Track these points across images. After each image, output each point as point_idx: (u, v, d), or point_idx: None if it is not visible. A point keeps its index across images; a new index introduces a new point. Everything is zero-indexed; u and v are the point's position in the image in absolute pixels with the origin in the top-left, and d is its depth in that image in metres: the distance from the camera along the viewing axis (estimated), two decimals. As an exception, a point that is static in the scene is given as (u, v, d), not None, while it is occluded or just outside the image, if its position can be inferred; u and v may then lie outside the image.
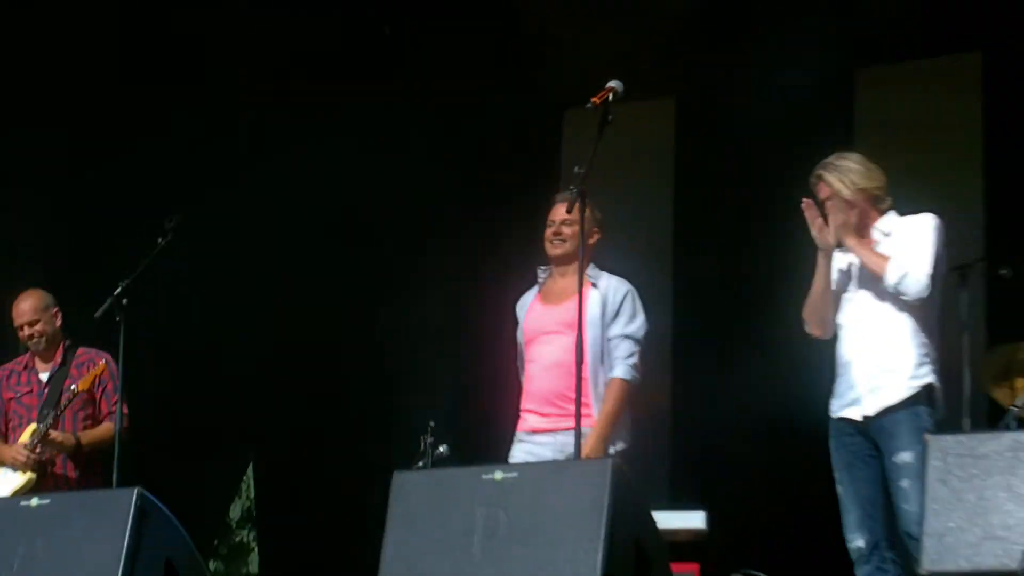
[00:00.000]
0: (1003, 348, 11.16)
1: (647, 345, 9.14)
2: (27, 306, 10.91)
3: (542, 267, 9.27)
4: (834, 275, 8.99)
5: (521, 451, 9.04)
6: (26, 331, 10.90)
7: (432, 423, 9.93)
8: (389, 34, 16.16)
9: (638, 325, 9.05)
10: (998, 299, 11.89)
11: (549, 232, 9.12)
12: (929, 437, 5.96)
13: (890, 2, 14.51)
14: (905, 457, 8.13)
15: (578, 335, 8.10)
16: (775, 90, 14.87)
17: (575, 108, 12.51)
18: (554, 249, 9.10)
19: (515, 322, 9.49)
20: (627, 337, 8.96)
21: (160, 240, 9.81)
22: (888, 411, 8.41)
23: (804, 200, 8.94)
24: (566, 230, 9.00)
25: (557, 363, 8.91)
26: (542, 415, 8.99)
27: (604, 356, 8.88)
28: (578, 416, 7.97)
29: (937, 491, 5.77)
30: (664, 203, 16.05)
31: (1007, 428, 9.92)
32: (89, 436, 10.65)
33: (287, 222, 14.62)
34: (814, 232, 8.89)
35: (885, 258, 8.58)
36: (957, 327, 11.05)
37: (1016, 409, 10.74)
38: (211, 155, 14.08)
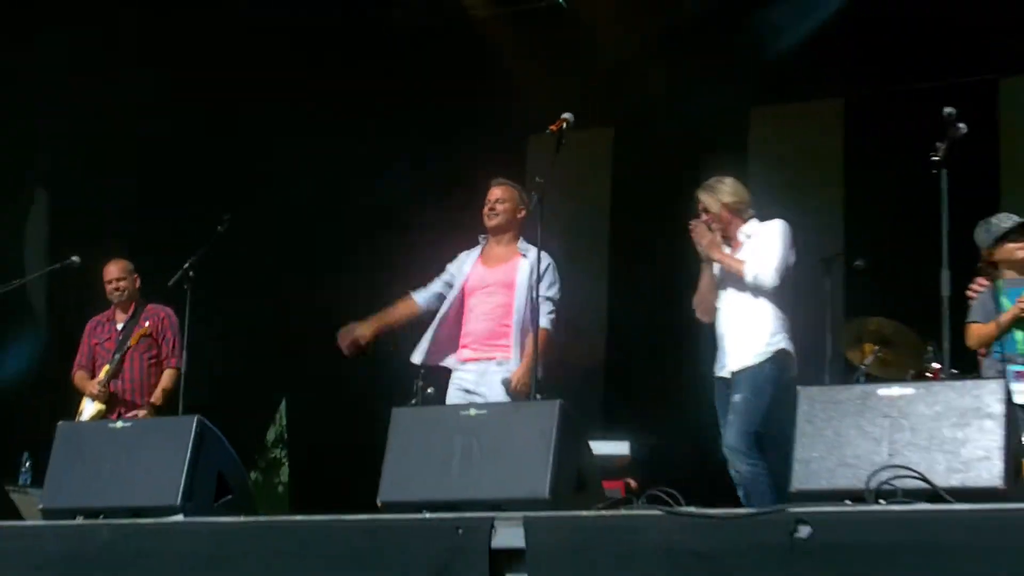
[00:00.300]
0: (856, 320, 11.21)
1: (562, 305, 9.21)
2: (115, 268, 11.08)
3: (482, 235, 9.46)
4: (716, 272, 9.14)
5: (455, 379, 9.31)
6: (112, 285, 11.08)
7: (423, 370, 9.92)
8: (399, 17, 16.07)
9: (556, 290, 9.16)
10: (854, 283, 11.92)
11: (486, 208, 9.36)
12: (800, 388, 5.99)
13: (777, 59, 14.61)
14: (736, 398, 8.73)
15: (535, 295, 8.68)
16: (691, 123, 14.97)
17: (537, 134, 12.58)
18: (490, 221, 9.35)
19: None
20: (548, 299, 9.06)
21: (219, 228, 9.93)
22: (744, 369, 8.75)
23: (691, 222, 9.12)
24: (499, 207, 9.32)
25: (490, 313, 9.23)
26: (474, 349, 9.21)
27: (527, 311, 8.96)
28: (535, 359, 8.29)
29: (805, 428, 5.79)
30: (603, 211, 16.08)
31: (857, 381, 9.99)
32: (158, 396, 10.84)
33: (314, 212, 14.55)
34: (700, 247, 9.06)
35: (741, 262, 8.88)
36: (822, 305, 11.11)
37: (864, 367, 10.83)
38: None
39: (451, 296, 9.43)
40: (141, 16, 13.23)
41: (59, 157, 13.00)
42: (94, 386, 10.74)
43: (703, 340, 9.84)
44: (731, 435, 8.65)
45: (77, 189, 13.01)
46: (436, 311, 9.52)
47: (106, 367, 10.75)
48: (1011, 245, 8.87)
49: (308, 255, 14.55)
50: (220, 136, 13.85)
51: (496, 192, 9.39)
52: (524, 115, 14.47)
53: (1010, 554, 4.80)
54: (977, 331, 8.86)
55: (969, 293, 9.03)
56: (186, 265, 9.82)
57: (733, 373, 8.88)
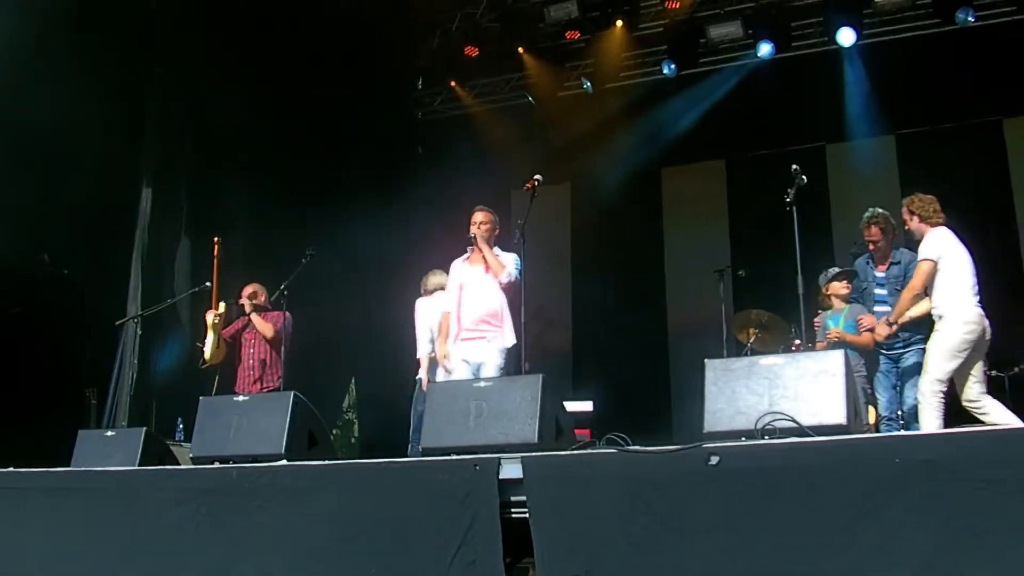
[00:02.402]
0: (742, 312, 11.22)
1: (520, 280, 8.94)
2: (249, 290, 10.73)
3: (468, 247, 9.19)
4: None
5: (457, 351, 9.06)
6: (255, 301, 10.68)
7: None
8: (421, 154, 16.17)
9: (519, 267, 8.92)
10: (739, 286, 11.92)
11: (472, 228, 9.12)
12: (706, 360, 5.91)
13: (678, 133, 14.63)
14: None
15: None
16: (622, 177, 15.00)
17: (517, 188, 12.51)
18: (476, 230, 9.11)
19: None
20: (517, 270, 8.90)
21: (303, 260, 9.77)
22: None
23: None
24: (482, 227, 9.12)
25: (478, 303, 9.01)
26: (468, 331, 9.00)
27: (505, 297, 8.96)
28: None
29: (711, 389, 5.71)
30: (565, 241, 16.08)
31: (746, 355, 9.92)
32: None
33: (366, 247, 14.44)
34: None
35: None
36: (718, 302, 11.06)
37: (749, 345, 10.81)
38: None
39: (451, 291, 9.31)
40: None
41: (198, 213, 12.85)
42: (211, 314, 10.53)
43: (638, 333, 9.84)
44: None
45: (209, 236, 12.91)
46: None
47: (223, 303, 10.60)
48: (836, 284, 9.91)
49: (366, 280, 14.44)
50: (305, 203, 13.71)
51: (478, 216, 9.21)
52: (508, 176, 14.50)
53: (852, 467, 4.85)
54: (820, 347, 9.48)
55: (816, 323, 9.94)
56: (282, 287, 9.70)
57: None
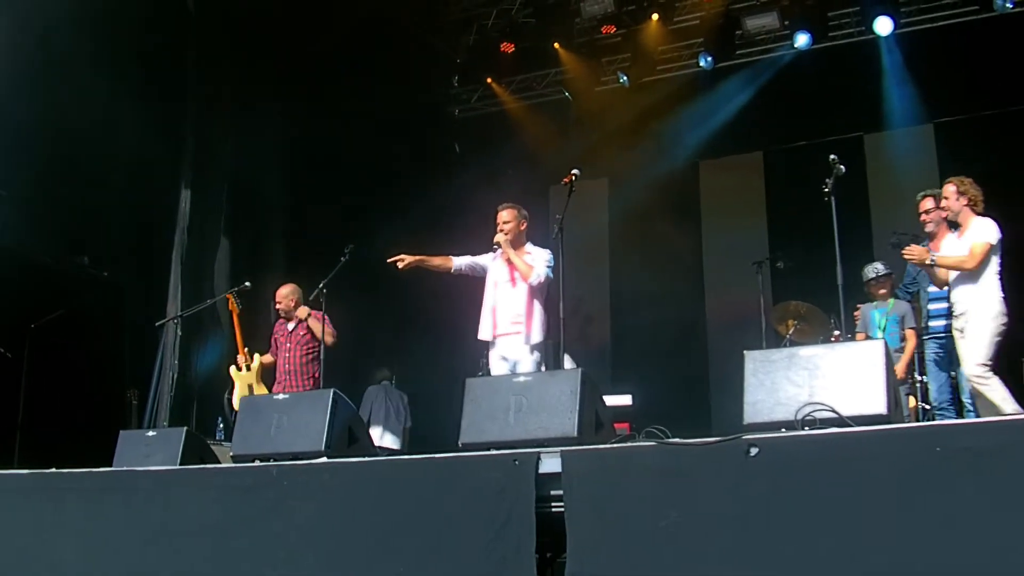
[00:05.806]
0: (781, 304, 11.18)
1: (554, 274, 8.84)
2: (283, 290, 10.78)
3: (495, 246, 9.06)
4: None
5: (496, 348, 9.02)
6: (278, 302, 10.78)
7: (485, 351, 9.77)
8: (458, 152, 16.19)
9: (550, 263, 8.87)
10: (777, 278, 11.90)
11: (498, 229, 9.00)
12: (746, 352, 5.89)
13: (716, 125, 14.60)
14: None
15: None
16: (660, 171, 14.96)
17: (555, 184, 12.50)
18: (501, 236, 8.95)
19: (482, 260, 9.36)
20: (548, 266, 8.82)
21: (342, 258, 9.76)
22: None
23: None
24: (505, 227, 8.98)
25: (512, 302, 8.95)
26: (503, 328, 8.94)
27: (536, 295, 8.89)
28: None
29: (750, 380, 5.69)
30: (603, 235, 16.05)
31: (785, 346, 9.87)
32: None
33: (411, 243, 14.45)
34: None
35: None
36: (757, 294, 11.03)
37: (789, 336, 10.77)
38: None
39: (488, 288, 9.17)
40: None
41: (237, 214, 12.91)
42: (244, 356, 10.80)
43: (677, 326, 9.75)
44: None
45: (246, 235, 12.96)
46: (461, 276, 9.40)
47: (259, 358, 10.79)
48: (871, 288, 10.19)
49: (403, 278, 14.47)
50: (343, 202, 13.75)
51: (502, 215, 9.07)
52: (545, 171, 14.50)
53: (894, 457, 4.79)
54: (860, 339, 9.64)
55: (855, 315, 10.10)
56: (321, 285, 9.69)
57: None
